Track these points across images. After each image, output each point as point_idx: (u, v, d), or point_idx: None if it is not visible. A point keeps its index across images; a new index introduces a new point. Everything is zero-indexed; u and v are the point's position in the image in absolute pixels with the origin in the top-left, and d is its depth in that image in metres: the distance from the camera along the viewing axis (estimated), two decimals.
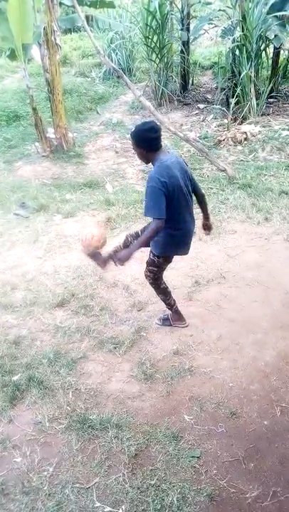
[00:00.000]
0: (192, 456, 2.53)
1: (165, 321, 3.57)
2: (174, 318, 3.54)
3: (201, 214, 3.37)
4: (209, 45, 12.29)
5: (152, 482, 2.40)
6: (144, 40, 8.88)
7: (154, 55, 8.98)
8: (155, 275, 3.33)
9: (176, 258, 4.35)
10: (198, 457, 2.53)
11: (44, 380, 3.04)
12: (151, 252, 3.26)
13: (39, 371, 3.11)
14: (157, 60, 8.99)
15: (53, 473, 2.47)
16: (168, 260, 3.34)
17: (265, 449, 2.58)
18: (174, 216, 2.96)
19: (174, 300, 3.51)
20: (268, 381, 3.01)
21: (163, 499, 2.31)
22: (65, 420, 2.76)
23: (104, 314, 3.67)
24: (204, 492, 2.34)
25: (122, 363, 3.20)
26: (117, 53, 10.31)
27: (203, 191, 3.30)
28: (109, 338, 3.40)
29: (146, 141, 2.90)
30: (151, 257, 3.26)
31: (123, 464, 2.49)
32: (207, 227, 3.44)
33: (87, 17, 8.29)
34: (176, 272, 4.16)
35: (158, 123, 2.92)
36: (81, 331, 3.50)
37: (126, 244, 3.43)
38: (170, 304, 3.49)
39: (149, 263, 3.29)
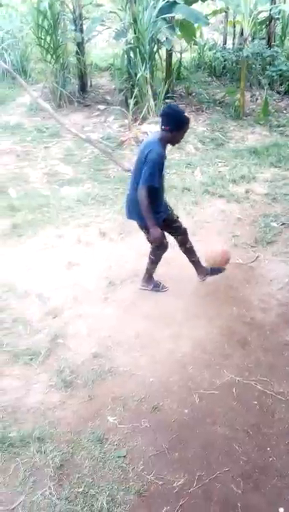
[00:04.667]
0: (118, 456, 2.54)
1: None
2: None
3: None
4: (105, 47, 12.39)
5: (80, 490, 2.36)
6: (36, 40, 8.66)
7: (48, 56, 8.81)
8: None
9: (87, 261, 4.36)
10: (124, 456, 2.54)
11: None
12: None
13: None
14: (52, 61, 8.83)
15: None
16: None
17: (187, 437, 2.68)
18: None
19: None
20: (185, 371, 3.13)
21: (92, 505, 2.29)
22: None
23: (17, 326, 3.52)
24: (132, 490, 2.37)
25: (39, 373, 3.10)
26: (9, 53, 9.93)
27: (140, 196, 3.28)
28: (24, 350, 3.27)
29: None
30: None
31: (48, 477, 2.42)
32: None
33: None
34: (90, 275, 4.14)
35: (166, 107, 3.39)
36: None
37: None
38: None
39: None
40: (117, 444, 2.62)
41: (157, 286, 3.94)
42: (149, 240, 3.66)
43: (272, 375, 3.10)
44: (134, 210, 3.48)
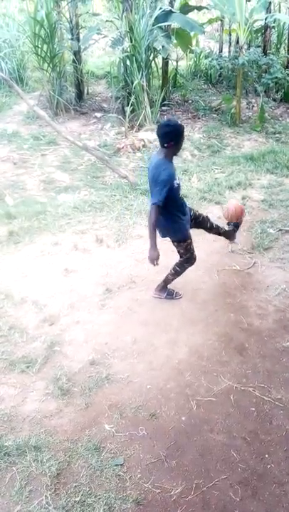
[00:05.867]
0: (116, 465, 2.52)
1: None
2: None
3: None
4: (101, 55, 12.48)
5: (77, 499, 2.34)
6: (33, 49, 8.72)
7: (45, 65, 8.86)
8: None
9: (84, 267, 4.35)
10: (121, 464, 2.53)
11: None
12: None
13: None
14: (49, 70, 8.88)
15: None
16: None
17: (185, 444, 2.67)
18: None
19: None
20: (182, 378, 3.12)
21: None
22: None
23: (13, 333, 3.50)
24: (130, 498, 2.35)
25: (36, 381, 3.08)
26: (6, 62, 9.98)
27: (151, 213, 3.37)
28: (21, 358, 3.25)
29: None
30: None
31: (45, 486, 2.40)
32: None
33: None
34: (87, 281, 4.14)
35: (164, 124, 3.39)
36: None
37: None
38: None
39: None
40: (114, 452, 2.60)
41: (171, 295, 3.94)
42: (179, 253, 3.76)
43: (270, 381, 3.09)
44: (164, 228, 3.60)
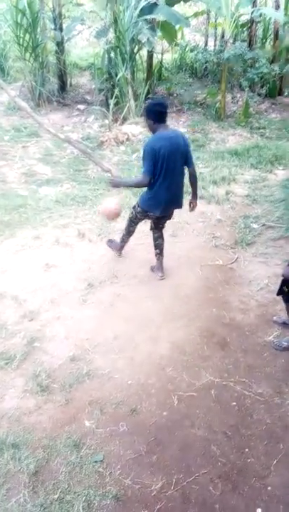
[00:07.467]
0: (95, 461, 2.50)
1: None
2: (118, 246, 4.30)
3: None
4: (85, 46, 12.32)
5: (55, 496, 2.31)
6: (15, 38, 8.55)
7: (27, 55, 8.70)
8: (133, 217, 3.99)
9: (65, 262, 4.29)
10: (101, 461, 2.50)
11: None
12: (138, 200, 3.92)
13: None
14: (31, 60, 8.73)
15: None
16: (144, 215, 3.89)
17: (165, 439, 2.65)
18: (153, 179, 3.58)
19: (126, 243, 4.26)
20: (164, 373, 3.10)
21: (68, 511, 2.24)
22: None
23: None
24: (110, 494, 2.33)
25: (15, 378, 3.02)
26: None
27: (196, 172, 3.80)
28: None
29: (154, 113, 3.49)
30: (136, 203, 3.91)
31: (23, 484, 2.36)
32: (191, 205, 3.96)
33: None
34: (68, 276, 4.08)
35: (165, 101, 3.77)
36: None
37: None
38: (123, 240, 4.23)
39: (134, 206, 3.95)
40: (94, 448, 2.57)
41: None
42: (162, 226, 4.07)
43: (251, 376, 3.10)
44: (181, 198, 3.82)
